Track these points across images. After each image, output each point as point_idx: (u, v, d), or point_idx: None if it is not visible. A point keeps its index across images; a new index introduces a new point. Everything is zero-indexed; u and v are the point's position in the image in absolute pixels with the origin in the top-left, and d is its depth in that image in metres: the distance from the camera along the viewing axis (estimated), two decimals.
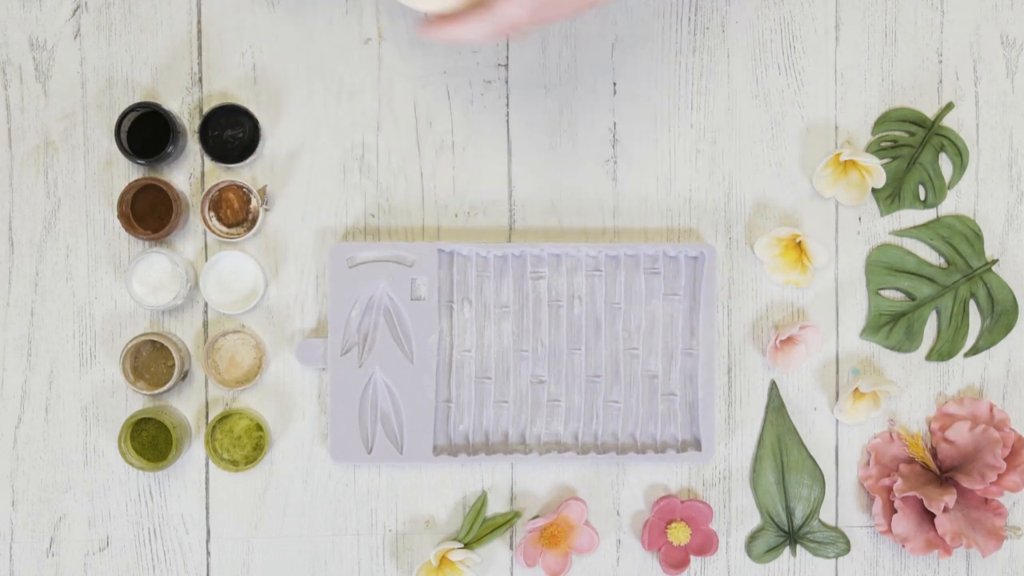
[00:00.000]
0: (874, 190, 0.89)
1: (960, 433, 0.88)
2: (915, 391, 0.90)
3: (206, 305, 0.89)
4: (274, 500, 0.89)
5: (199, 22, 0.88)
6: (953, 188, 0.90)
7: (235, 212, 0.88)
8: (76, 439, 0.88)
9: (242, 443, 0.87)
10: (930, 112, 0.90)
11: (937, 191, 0.90)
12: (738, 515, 0.90)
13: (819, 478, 0.89)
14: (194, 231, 0.89)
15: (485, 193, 0.89)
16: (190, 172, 0.89)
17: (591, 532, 0.88)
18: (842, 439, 0.90)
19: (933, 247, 0.90)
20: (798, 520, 0.89)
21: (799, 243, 0.88)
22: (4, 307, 0.88)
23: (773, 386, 0.90)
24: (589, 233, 0.89)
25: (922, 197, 0.90)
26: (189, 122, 0.88)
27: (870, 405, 0.88)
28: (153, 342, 0.87)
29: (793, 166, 0.90)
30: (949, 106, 0.90)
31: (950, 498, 0.85)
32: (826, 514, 0.90)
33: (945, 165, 0.90)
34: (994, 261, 0.90)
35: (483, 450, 0.88)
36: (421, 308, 0.86)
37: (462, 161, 0.89)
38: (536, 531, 0.87)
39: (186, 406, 0.89)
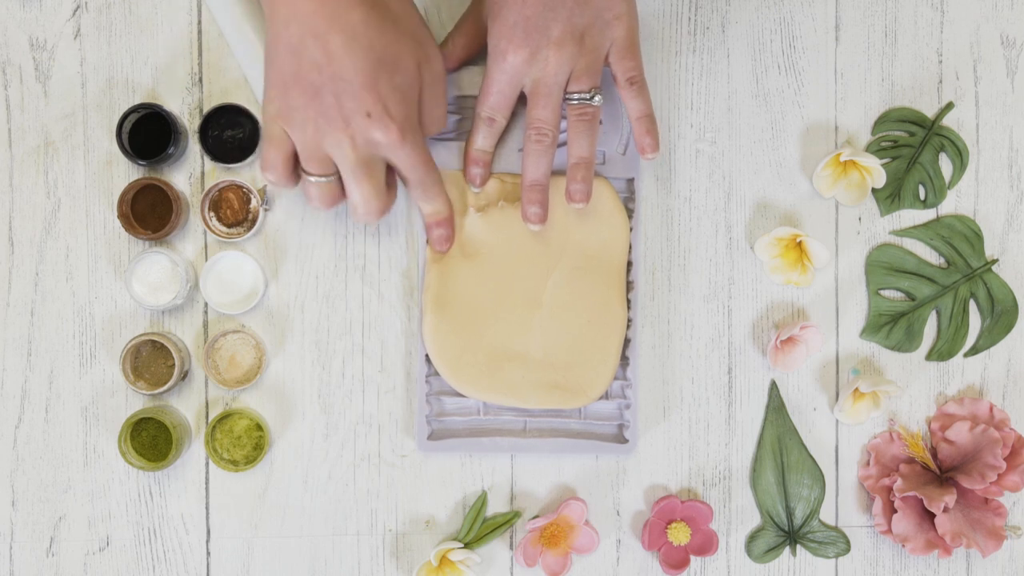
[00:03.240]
0: (874, 190, 0.89)
1: (960, 433, 0.88)
2: (915, 391, 0.90)
3: (206, 305, 0.89)
4: (274, 500, 0.89)
5: (199, 22, 0.88)
6: (953, 188, 0.90)
7: (235, 212, 0.88)
8: (76, 439, 0.88)
9: (242, 443, 0.87)
10: (930, 112, 0.90)
11: (937, 191, 0.90)
12: (738, 515, 0.90)
13: (819, 478, 0.89)
14: (194, 231, 0.89)
15: None
16: (190, 172, 0.89)
17: (591, 532, 0.88)
18: (842, 439, 0.90)
19: (933, 247, 0.90)
20: (798, 520, 0.89)
21: (799, 243, 0.88)
22: (4, 307, 0.88)
23: (773, 386, 0.90)
24: None
25: (922, 197, 0.90)
26: (189, 122, 0.88)
27: (870, 405, 0.88)
28: (153, 342, 0.87)
29: (793, 166, 0.90)
30: (949, 106, 0.90)
31: (950, 498, 0.85)
32: (826, 514, 0.90)
33: (945, 165, 0.90)
34: (994, 261, 0.90)
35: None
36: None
37: None
38: (536, 531, 0.87)
39: (186, 406, 0.89)
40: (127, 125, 0.86)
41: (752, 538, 0.90)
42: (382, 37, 0.74)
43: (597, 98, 0.81)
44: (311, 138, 0.75)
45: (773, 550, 0.90)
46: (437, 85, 0.79)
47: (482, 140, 0.84)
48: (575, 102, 0.81)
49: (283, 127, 0.76)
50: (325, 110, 0.74)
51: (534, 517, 0.88)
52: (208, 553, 0.89)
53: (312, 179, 0.78)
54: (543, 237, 0.86)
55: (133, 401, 0.88)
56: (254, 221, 0.88)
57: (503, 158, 0.87)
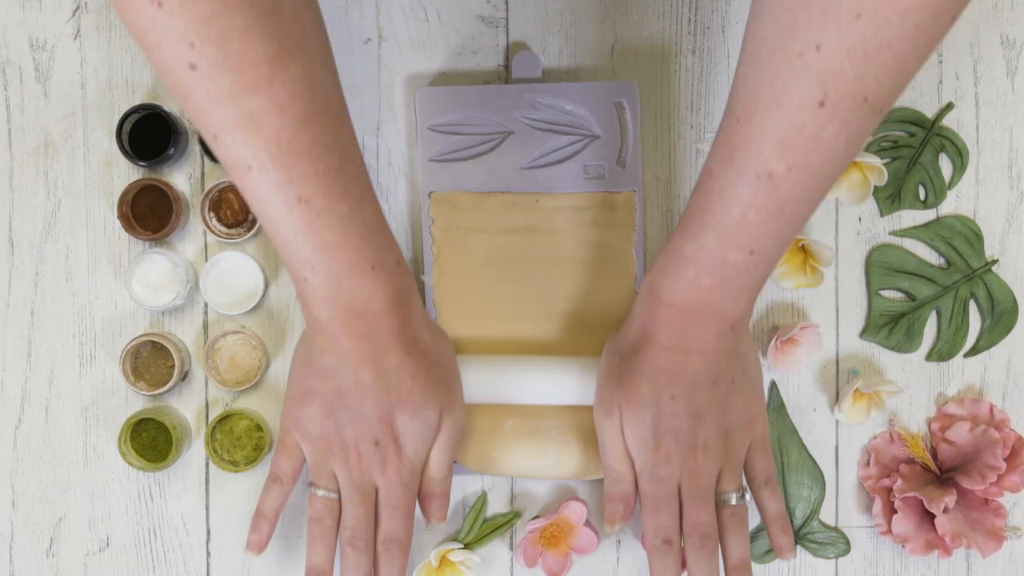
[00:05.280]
0: (874, 190, 0.89)
1: (960, 433, 0.88)
2: (915, 391, 0.90)
3: (206, 305, 0.89)
4: None
5: None
6: (953, 188, 0.90)
7: (235, 212, 0.88)
8: (76, 439, 0.88)
9: (242, 444, 0.87)
10: (930, 112, 0.90)
11: (937, 191, 0.90)
12: None
13: (819, 478, 0.89)
14: (194, 231, 0.89)
15: None
16: (190, 172, 0.89)
17: (591, 533, 0.88)
18: (842, 439, 0.90)
19: (933, 247, 0.90)
20: (798, 520, 0.89)
21: (802, 246, 0.88)
22: (4, 307, 0.88)
23: (773, 386, 0.90)
24: None
25: (922, 197, 0.90)
26: (189, 123, 0.88)
27: (870, 405, 0.88)
28: (153, 342, 0.87)
29: None
30: (949, 106, 0.90)
31: (950, 498, 0.85)
32: (826, 514, 0.90)
33: (945, 165, 0.90)
34: (994, 261, 0.90)
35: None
36: None
37: None
38: (536, 531, 0.87)
39: (186, 406, 0.89)
40: (127, 125, 0.86)
41: (752, 538, 0.90)
42: (411, 382, 0.75)
43: (747, 496, 0.79)
44: (320, 453, 0.77)
45: (773, 550, 0.89)
46: (453, 435, 0.79)
47: (664, 570, 0.77)
48: (725, 502, 0.78)
49: (297, 438, 0.78)
50: (337, 429, 0.76)
51: (534, 518, 0.88)
52: (208, 554, 0.89)
53: (319, 492, 0.78)
54: (550, 313, 0.87)
55: (133, 401, 0.88)
56: (254, 221, 0.88)
57: (506, 176, 0.87)
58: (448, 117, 0.86)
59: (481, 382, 0.83)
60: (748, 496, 0.80)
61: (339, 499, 0.78)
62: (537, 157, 0.87)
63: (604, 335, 0.86)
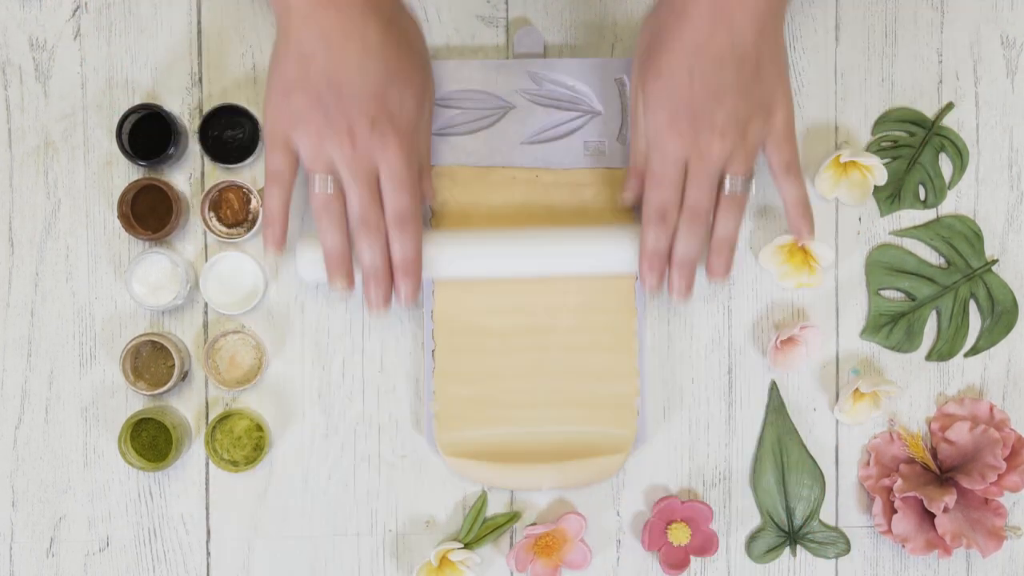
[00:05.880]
0: (874, 190, 0.89)
1: (960, 433, 0.88)
2: (915, 391, 0.90)
3: (206, 305, 0.89)
4: (274, 500, 0.89)
5: (199, 22, 0.88)
6: (953, 188, 0.90)
7: (235, 212, 0.88)
8: (76, 439, 0.88)
9: (242, 443, 0.87)
10: (930, 112, 0.90)
11: (937, 191, 0.90)
12: (738, 515, 0.90)
13: (819, 478, 0.89)
14: (194, 231, 0.89)
15: None
16: (190, 172, 0.89)
17: (584, 549, 0.87)
18: (842, 439, 0.90)
19: (933, 247, 0.90)
20: (798, 520, 0.89)
21: (802, 246, 0.88)
22: (4, 307, 0.88)
23: (773, 386, 0.90)
24: None
25: (922, 197, 0.90)
26: (189, 122, 0.88)
27: (870, 405, 0.88)
28: (153, 342, 0.87)
29: None
30: (949, 106, 0.90)
31: (950, 498, 0.85)
32: (826, 514, 0.90)
33: (945, 165, 0.90)
34: (994, 261, 0.90)
35: None
36: None
37: None
38: (532, 538, 0.87)
39: (186, 406, 0.89)
40: (127, 125, 0.86)
41: (752, 538, 0.90)
42: (396, 54, 0.73)
43: (752, 185, 0.79)
44: (313, 142, 0.75)
45: (773, 550, 0.90)
46: (430, 117, 0.78)
47: (656, 240, 0.80)
48: (729, 188, 0.78)
49: (286, 132, 0.75)
50: (328, 114, 0.73)
51: (531, 524, 0.88)
52: (208, 553, 0.89)
53: (318, 179, 0.76)
54: (542, 309, 0.86)
55: (133, 401, 0.88)
56: (254, 221, 0.88)
57: (506, 151, 0.87)
58: (449, 90, 0.86)
59: (472, 255, 0.83)
60: (754, 188, 0.80)
61: (337, 185, 0.76)
62: (537, 132, 0.87)
63: (603, 314, 0.85)
